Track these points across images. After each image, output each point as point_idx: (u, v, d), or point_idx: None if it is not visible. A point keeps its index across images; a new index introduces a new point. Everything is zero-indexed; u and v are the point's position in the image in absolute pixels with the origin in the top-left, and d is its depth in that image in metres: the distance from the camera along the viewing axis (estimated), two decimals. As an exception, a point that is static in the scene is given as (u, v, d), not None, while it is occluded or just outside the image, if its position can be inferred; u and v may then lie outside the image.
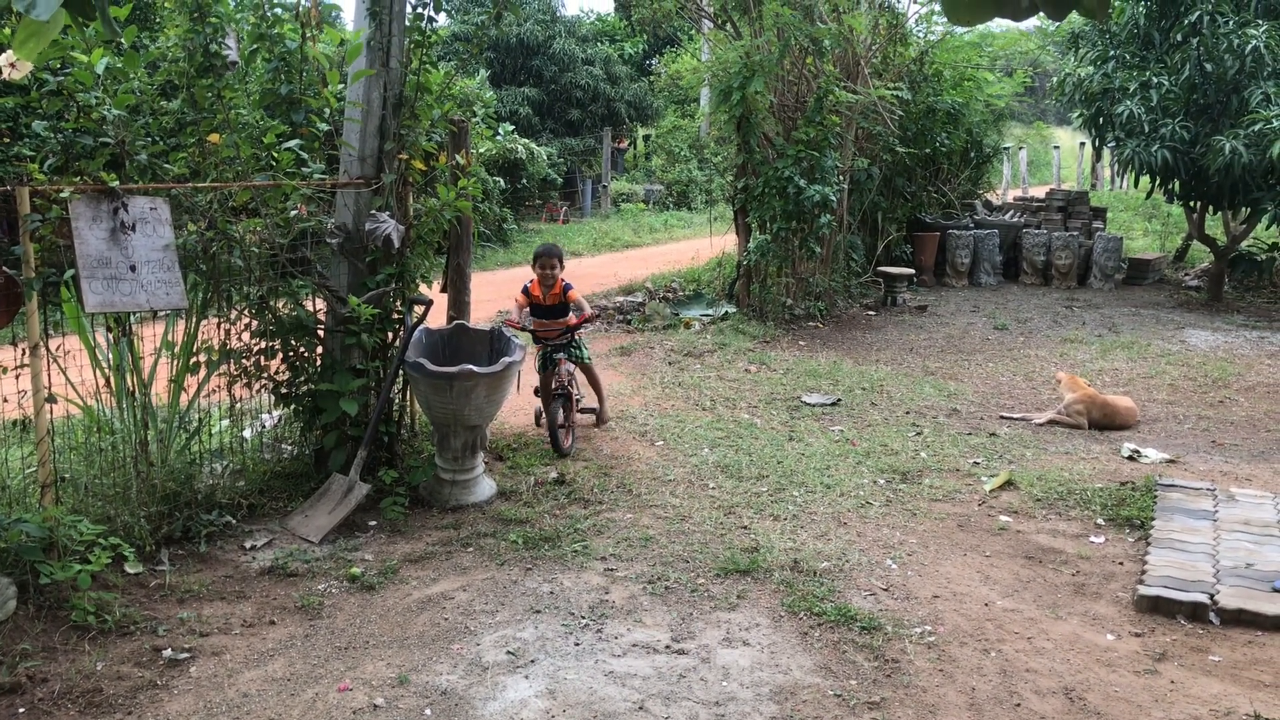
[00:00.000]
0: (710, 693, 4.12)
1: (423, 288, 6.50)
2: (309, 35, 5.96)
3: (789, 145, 11.91)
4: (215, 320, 5.89)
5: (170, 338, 5.95)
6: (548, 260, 7.40)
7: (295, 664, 4.32)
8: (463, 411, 5.94)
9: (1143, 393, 9.36)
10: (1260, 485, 6.65)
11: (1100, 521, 6.05)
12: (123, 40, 5.39)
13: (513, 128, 21.93)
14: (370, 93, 6.06)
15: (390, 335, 6.32)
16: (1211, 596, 4.86)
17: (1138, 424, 8.34)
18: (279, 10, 5.98)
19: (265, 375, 6.04)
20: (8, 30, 4.86)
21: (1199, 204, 14.34)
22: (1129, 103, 13.25)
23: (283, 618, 4.74)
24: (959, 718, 3.99)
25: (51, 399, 4.92)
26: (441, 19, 6.28)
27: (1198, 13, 12.85)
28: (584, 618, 4.74)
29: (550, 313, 7.46)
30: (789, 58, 12.07)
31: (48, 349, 4.99)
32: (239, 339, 5.94)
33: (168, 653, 4.36)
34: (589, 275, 14.93)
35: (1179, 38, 13.32)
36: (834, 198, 11.77)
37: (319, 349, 6.19)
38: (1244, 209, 13.68)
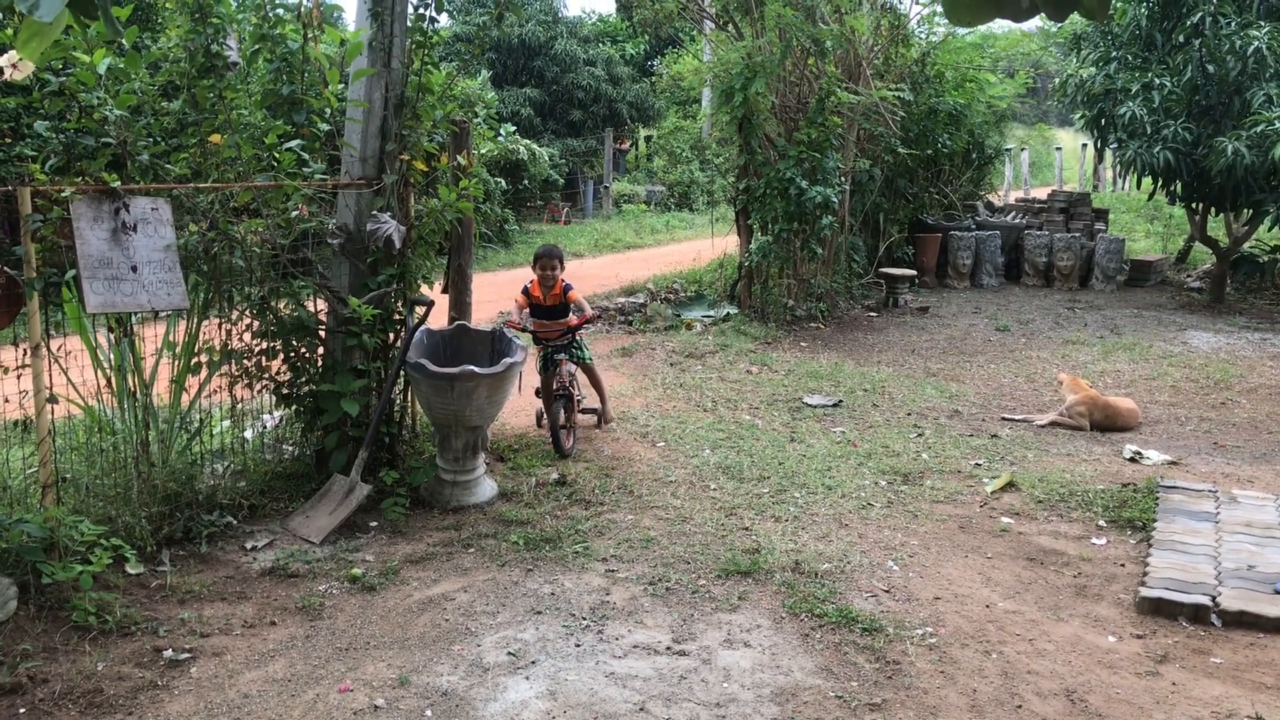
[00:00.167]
0: (711, 694, 4.11)
1: (424, 288, 6.50)
2: (311, 36, 5.96)
3: (791, 146, 11.91)
4: (216, 321, 5.89)
5: (171, 338, 5.95)
6: (548, 261, 7.39)
7: (296, 665, 4.32)
8: (464, 412, 5.94)
9: (1144, 394, 9.35)
10: (1262, 487, 6.65)
11: (1102, 523, 6.04)
12: (124, 41, 5.39)
13: (514, 128, 21.94)
14: (372, 93, 6.06)
15: (391, 336, 6.32)
16: (1213, 598, 4.86)
17: (1139, 426, 8.33)
18: (281, 11, 5.98)
19: (266, 376, 6.04)
20: (10, 31, 4.86)
21: (1201, 205, 14.34)
22: (1131, 104, 13.24)
23: (284, 618, 4.74)
24: (960, 719, 3.98)
25: (53, 399, 4.92)
26: (443, 20, 6.27)
27: (1200, 14, 12.85)
28: (585, 619, 4.74)
29: (551, 313, 7.46)
30: (791, 59, 12.08)
31: (49, 349, 4.99)
32: (240, 339, 5.94)
33: (168, 653, 4.36)
34: (590, 276, 14.93)
35: (1181, 39, 13.32)
36: (835, 199, 11.76)
37: (320, 350, 6.19)
38: (1246, 210, 13.68)
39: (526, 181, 21.72)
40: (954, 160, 16.55)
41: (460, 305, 7.14)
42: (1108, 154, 19.26)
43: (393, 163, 6.13)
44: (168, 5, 6.44)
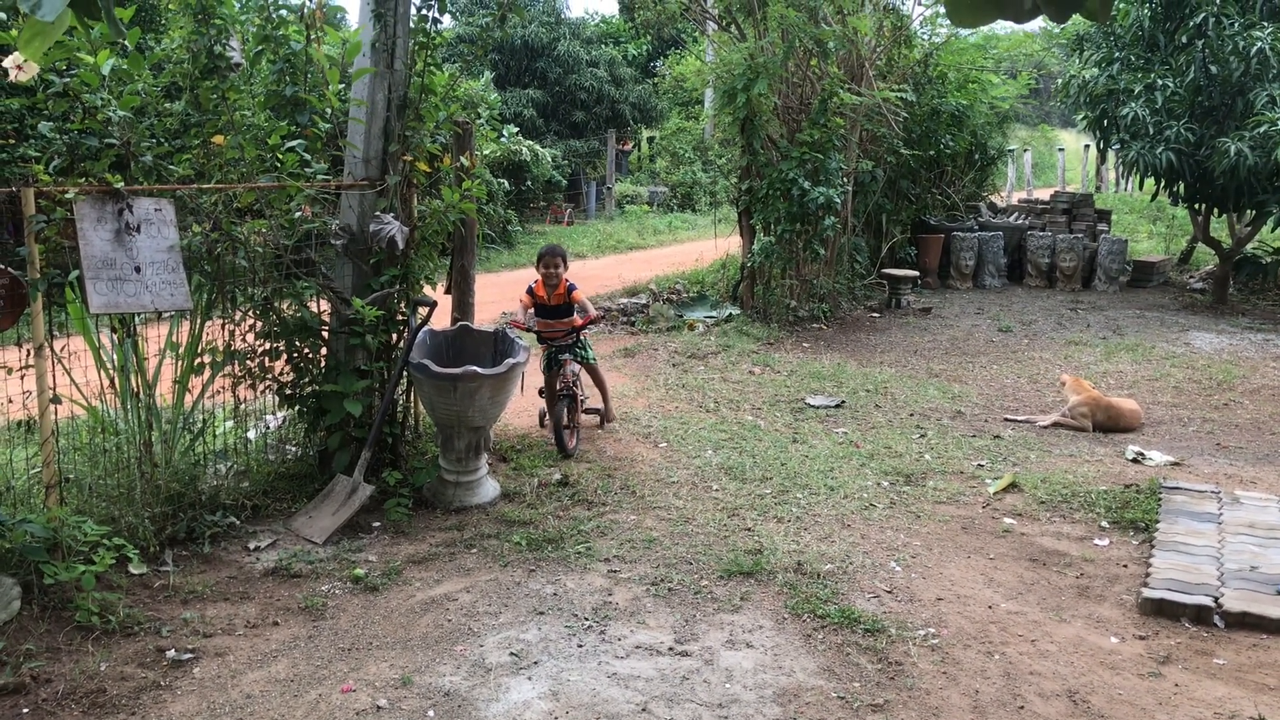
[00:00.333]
0: (713, 695, 4.11)
1: (427, 289, 6.51)
2: (314, 37, 5.97)
3: (793, 147, 11.91)
4: (220, 321, 5.90)
5: (175, 339, 5.96)
6: (551, 260, 7.41)
7: (299, 665, 4.32)
8: (466, 413, 5.95)
9: (1147, 395, 9.34)
10: (1265, 488, 6.64)
11: (1104, 524, 6.04)
12: (127, 42, 5.40)
13: (517, 129, 21.95)
14: (375, 94, 6.06)
15: (394, 336, 6.32)
16: (1216, 599, 4.85)
17: (1142, 426, 8.32)
18: (284, 12, 5.99)
19: (269, 376, 6.05)
20: (14, 32, 4.87)
21: (1204, 206, 14.32)
22: (1134, 105, 13.23)
23: (286, 619, 4.75)
24: (962, 720, 3.98)
25: (56, 400, 4.93)
26: (446, 21, 6.28)
27: (1203, 15, 12.83)
28: (587, 619, 4.74)
29: (555, 313, 7.48)
30: (793, 59, 12.08)
31: (52, 350, 5.00)
32: (243, 340, 5.95)
33: (171, 653, 4.37)
34: (593, 277, 14.93)
35: (1184, 40, 13.30)
36: (838, 200, 11.76)
37: (323, 350, 6.19)
38: (1249, 211, 13.65)
39: (529, 182, 21.72)
40: (956, 161, 16.53)
41: (463, 306, 7.15)
42: (1110, 155, 19.27)
43: (396, 164, 6.13)
44: (171, 6, 6.46)
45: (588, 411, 7.79)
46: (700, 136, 22.24)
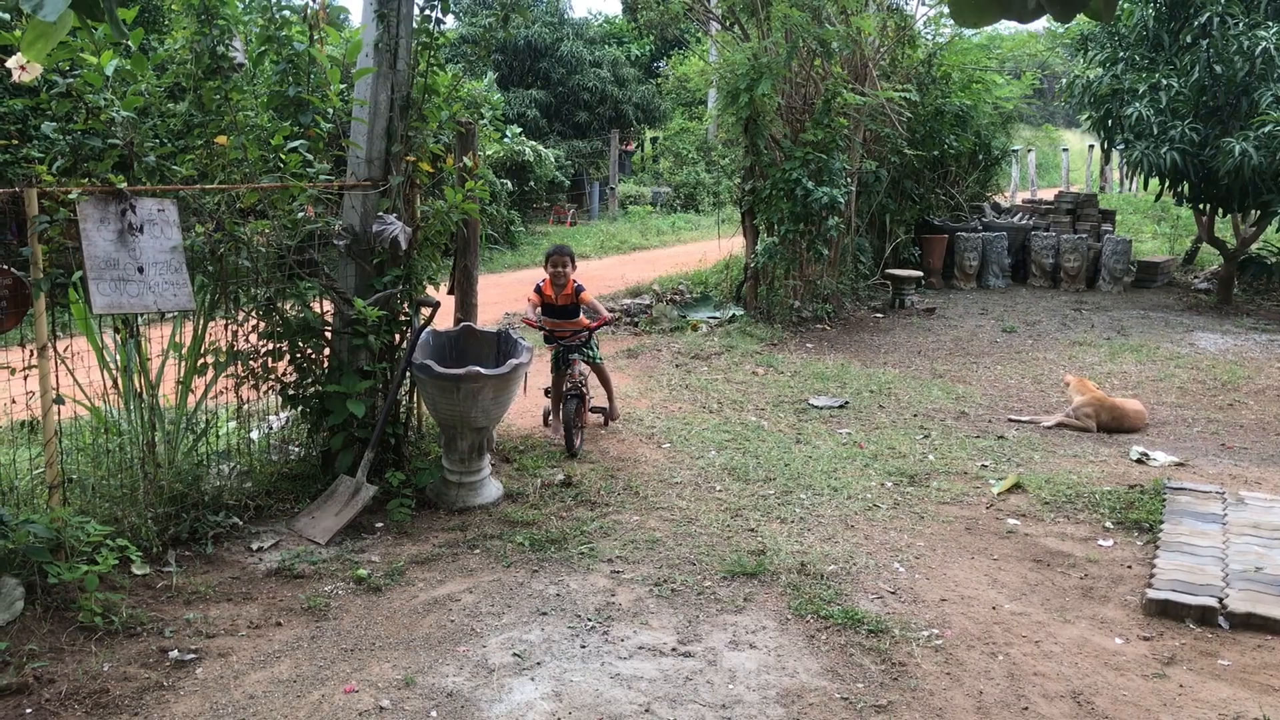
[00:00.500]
0: (716, 695, 4.11)
1: (430, 290, 6.51)
2: (317, 37, 5.97)
3: (797, 147, 11.90)
4: (223, 322, 5.90)
5: (178, 339, 5.96)
6: (559, 259, 7.45)
7: (301, 665, 4.32)
8: (470, 413, 5.94)
9: (1151, 396, 9.32)
10: (1269, 489, 6.62)
11: (1109, 525, 6.02)
12: (130, 43, 5.40)
13: (520, 130, 21.95)
14: (378, 94, 6.06)
15: (397, 337, 6.32)
16: (1220, 600, 4.84)
17: (1146, 427, 8.31)
18: (287, 13, 5.99)
19: (272, 377, 6.05)
20: (18, 33, 4.87)
21: (1208, 206, 14.29)
22: (1138, 105, 13.21)
23: (289, 619, 4.75)
24: (966, 721, 3.97)
25: (59, 400, 4.93)
26: (449, 21, 6.29)
27: (1207, 14, 12.81)
28: (590, 620, 4.73)
29: (562, 313, 7.51)
30: (797, 59, 12.06)
31: (55, 350, 5.00)
32: (246, 340, 5.95)
33: (174, 654, 4.36)
34: (596, 277, 14.92)
35: (1188, 40, 13.28)
36: (842, 200, 11.75)
37: (326, 351, 6.19)
38: (1254, 211, 13.63)
39: (532, 183, 21.73)
40: (960, 161, 16.52)
41: (466, 306, 7.15)
42: (1115, 155, 19.23)
43: (399, 164, 6.13)
44: (174, 7, 6.46)
45: (593, 410, 7.80)
46: (703, 137, 22.21)
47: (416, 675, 4.23)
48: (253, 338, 5.97)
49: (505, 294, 13.82)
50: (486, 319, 10.20)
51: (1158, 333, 12.17)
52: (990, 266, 15.72)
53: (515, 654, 4.41)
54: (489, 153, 18.52)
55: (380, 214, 6.05)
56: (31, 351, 4.85)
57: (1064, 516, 6.17)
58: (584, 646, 4.49)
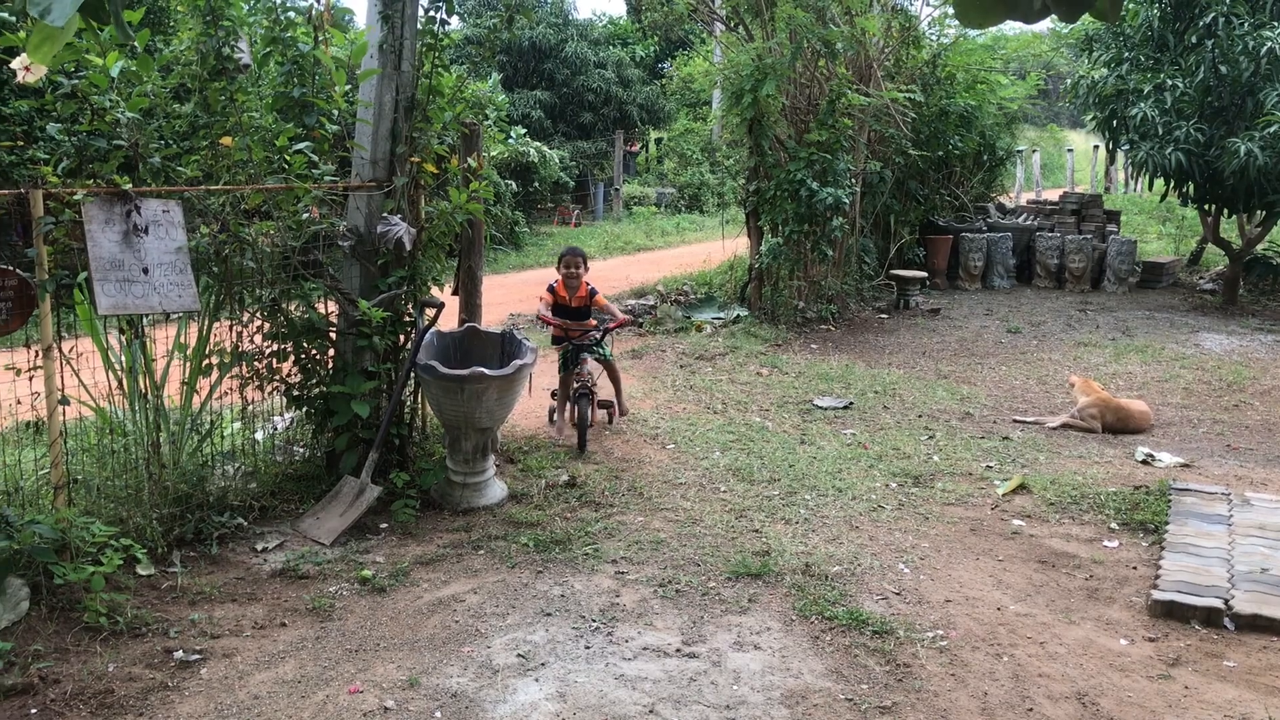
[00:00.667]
0: (721, 696, 4.10)
1: (434, 290, 6.52)
2: (321, 39, 5.97)
3: (801, 148, 11.90)
4: (227, 323, 5.91)
5: (183, 340, 5.96)
6: (572, 260, 7.54)
7: (306, 666, 4.32)
8: (474, 414, 5.94)
9: (1157, 396, 9.30)
10: (1275, 490, 6.61)
11: (1114, 526, 6.01)
12: (136, 44, 5.41)
13: (525, 131, 21.97)
14: (382, 95, 6.07)
15: (402, 338, 6.33)
16: (1226, 601, 4.83)
17: (1151, 428, 8.29)
18: (292, 14, 6.00)
19: (277, 378, 6.05)
20: (23, 34, 4.89)
21: (1214, 207, 14.26)
22: (1143, 105, 13.19)
23: (294, 620, 4.75)
24: (971, 723, 3.97)
25: (64, 401, 4.94)
26: (454, 22, 6.30)
27: (1212, 15, 12.79)
28: (594, 621, 4.73)
29: (575, 314, 7.59)
30: (801, 60, 12.06)
31: (61, 351, 5.01)
32: (251, 341, 5.96)
33: (179, 654, 4.37)
34: (601, 278, 14.87)
35: (1193, 40, 13.26)
36: (846, 200, 11.75)
37: (331, 351, 6.20)
38: (1259, 212, 13.61)
39: (537, 184, 21.75)
40: (965, 162, 16.51)
41: (470, 307, 7.15)
42: (1119, 155, 19.19)
43: (403, 165, 6.14)
44: (179, 8, 6.46)
45: (600, 404, 7.82)
46: (708, 137, 22.24)
47: (421, 676, 4.24)
48: (257, 338, 5.98)
49: (510, 295, 13.83)
50: (491, 320, 10.21)
51: (1163, 333, 12.15)
52: (995, 267, 15.70)
53: (520, 655, 4.41)
54: (493, 154, 18.54)
55: (385, 215, 6.05)
56: (37, 352, 4.86)
57: (1069, 517, 6.16)
58: (588, 647, 4.49)
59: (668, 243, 21.32)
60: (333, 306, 6.19)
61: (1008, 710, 4.05)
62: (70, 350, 5.26)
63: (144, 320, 5.68)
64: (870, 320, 12.99)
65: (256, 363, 5.96)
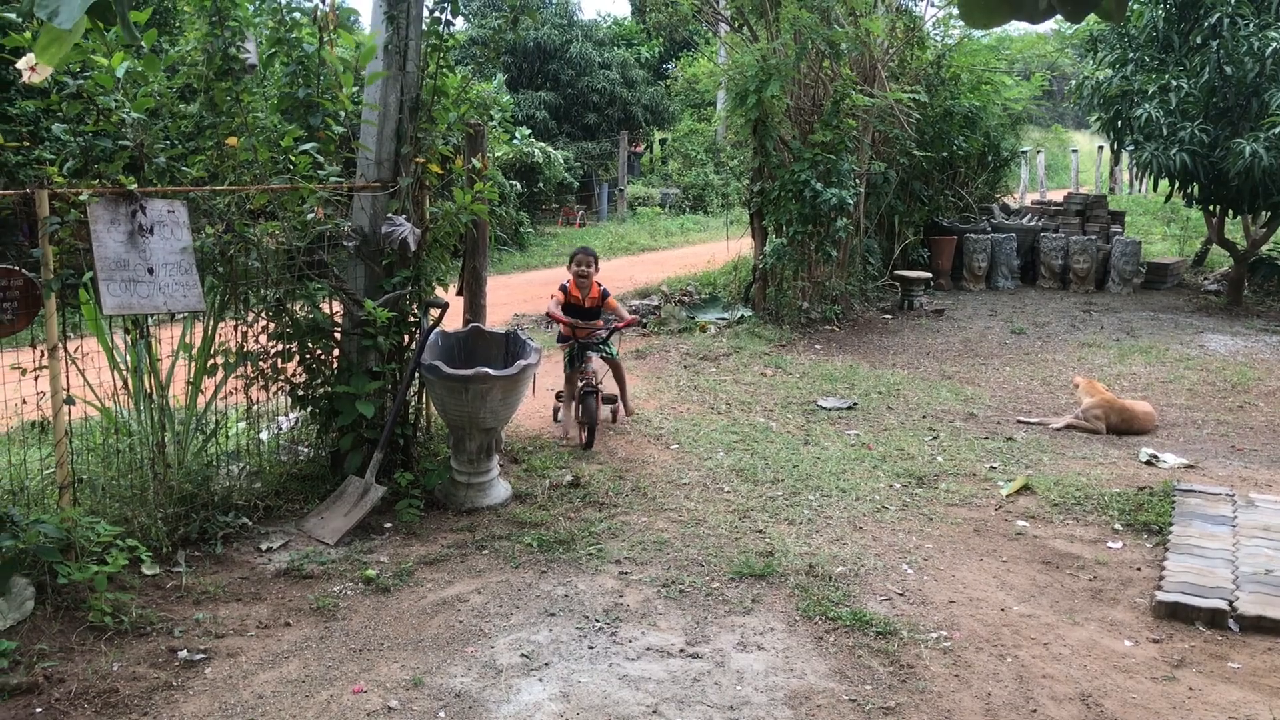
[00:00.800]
0: (724, 697, 4.11)
1: (439, 291, 6.52)
2: (327, 39, 5.98)
3: (805, 148, 11.89)
4: (232, 323, 5.92)
5: (188, 340, 5.98)
6: (584, 259, 7.61)
7: (310, 666, 4.33)
8: (478, 414, 5.95)
9: (1161, 398, 9.29)
10: (1280, 491, 6.60)
11: (1118, 527, 6.01)
12: (143, 44, 5.42)
13: (529, 131, 21.98)
14: (387, 96, 6.07)
15: (406, 338, 6.33)
16: (1231, 603, 4.82)
17: (1156, 429, 8.28)
18: (297, 15, 6.00)
19: (282, 378, 6.06)
20: (29, 34, 4.90)
21: (1218, 208, 14.25)
22: (1148, 106, 13.17)
23: (298, 619, 4.76)
24: (975, 724, 3.97)
25: (70, 400, 4.95)
26: (459, 23, 6.30)
27: (1217, 15, 12.77)
28: (598, 621, 4.74)
29: (585, 314, 7.67)
30: (806, 61, 12.06)
31: (66, 351, 5.02)
32: (256, 341, 5.97)
33: (183, 654, 4.38)
34: (605, 279, 14.77)
35: (1198, 40, 13.24)
36: (850, 201, 11.74)
37: (335, 352, 6.21)
38: (1264, 213, 13.58)
39: (541, 184, 21.76)
40: (969, 162, 16.49)
41: (475, 307, 7.16)
42: (1124, 156, 19.15)
43: (408, 166, 6.14)
44: (186, 9, 6.48)
45: (605, 400, 7.83)
46: (712, 138, 22.25)
47: (425, 676, 4.24)
48: (262, 339, 5.99)
49: (514, 295, 13.85)
50: (495, 320, 10.22)
51: (1167, 334, 12.14)
52: (999, 268, 15.69)
53: (523, 655, 4.42)
54: (498, 154, 18.55)
55: (389, 215, 6.06)
56: (42, 352, 4.87)
57: (1073, 518, 6.16)
58: (592, 647, 4.49)
59: (672, 243, 21.32)
60: (337, 307, 6.20)
61: (1011, 711, 4.04)
62: (75, 350, 5.27)
63: (149, 320, 5.69)
64: (874, 321, 12.98)
65: (261, 363, 5.97)
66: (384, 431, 5.99)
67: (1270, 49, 12.20)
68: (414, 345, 6.24)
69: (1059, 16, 2.06)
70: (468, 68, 7.10)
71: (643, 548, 5.60)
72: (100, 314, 5.29)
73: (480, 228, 6.99)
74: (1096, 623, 4.81)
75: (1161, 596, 4.90)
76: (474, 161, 6.74)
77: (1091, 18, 2.06)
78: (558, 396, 8.01)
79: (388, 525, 5.88)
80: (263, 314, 5.96)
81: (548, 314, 7.63)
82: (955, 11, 13.69)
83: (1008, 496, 6.51)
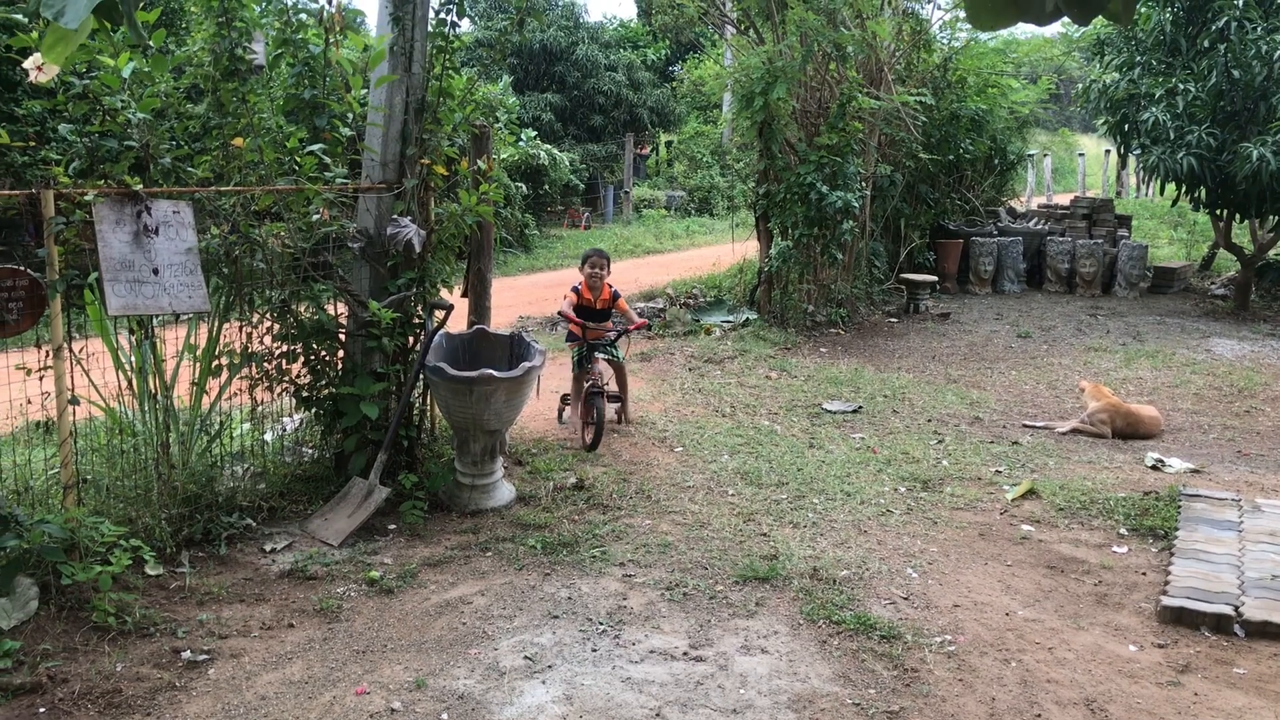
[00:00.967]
0: (728, 700, 4.10)
1: (443, 292, 6.52)
2: (333, 40, 5.99)
3: (811, 151, 11.88)
4: (237, 324, 5.92)
5: (192, 341, 5.98)
6: (597, 260, 7.67)
7: (313, 667, 4.33)
8: (482, 416, 5.95)
9: (1167, 402, 9.27)
10: (1287, 496, 6.58)
11: (1123, 531, 5.99)
12: (150, 44, 5.43)
13: (535, 133, 21.99)
14: (393, 98, 6.08)
15: (411, 339, 6.33)
16: (1236, 608, 4.81)
17: (1162, 433, 8.26)
18: (303, 16, 6.01)
19: (286, 379, 6.06)
20: (35, 34, 4.90)
21: (1226, 212, 14.21)
22: (1155, 109, 13.15)
23: (301, 620, 4.76)
24: (979, 728, 3.95)
25: (74, 401, 4.95)
26: (465, 25, 6.31)
27: (1225, 19, 12.74)
28: (602, 623, 4.73)
29: (597, 316, 7.73)
30: (812, 64, 12.05)
31: (71, 351, 5.03)
32: (261, 342, 5.97)
33: (187, 654, 4.38)
34: (611, 281, 14.92)
35: (1206, 44, 13.21)
36: (856, 204, 11.73)
37: (340, 353, 6.21)
38: (1272, 217, 13.55)
39: (547, 186, 21.76)
40: (976, 166, 16.47)
41: (480, 309, 7.16)
42: (1131, 160, 19.13)
43: (413, 167, 6.15)
44: (193, 9, 6.48)
45: (610, 399, 7.84)
46: (718, 140, 22.22)
47: (428, 677, 4.24)
48: (267, 340, 5.99)
49: (519, 297, 13.85)
50: (500, 322, 10.22)
51: (1174, 339, 12.11)
52: (1005, 271, 15.66)
53: (526, 657, 4.41)
54: (504, 156, 18.56)
55: (395, 217, 6.06)
56: (47, 352, 4.88)
57: (1078, 523, 6.14)
58: (595, 650, 4.49)
59: (677, 246, 21.31)
60: (342, 308, 6.20)
61: (1015, 716, 4.03)
62: (80, 350, 5.28)
63: (154, 321, 5.70)
64: (880, 324, 12.96)
65: (266, 364, 5.97)
66: (388, 433, 5.99)
67: (1278, 53, 12.17)
68: (419, 347, 6.24)
69: (1066, 19, 2.05)
70: (473, 69, 7.10)
71: (647, 550, 5.60)
72: (105, 314, 5.29)
73: (485, 230, 6.99)
74: (1101, 627, 4.80)
75: (1167, 601, 4.89)
76: (479, 163, 6.74)
77: (1099, 21, 2.05)
78: (563, 399, 8.03)
79: (391, 527, 5.88)
80: (267, 315, 5.96)
81: (560, 313, 7.68)
82: (962, 14, 13.68)
83: (1013, 501, 6.49)
